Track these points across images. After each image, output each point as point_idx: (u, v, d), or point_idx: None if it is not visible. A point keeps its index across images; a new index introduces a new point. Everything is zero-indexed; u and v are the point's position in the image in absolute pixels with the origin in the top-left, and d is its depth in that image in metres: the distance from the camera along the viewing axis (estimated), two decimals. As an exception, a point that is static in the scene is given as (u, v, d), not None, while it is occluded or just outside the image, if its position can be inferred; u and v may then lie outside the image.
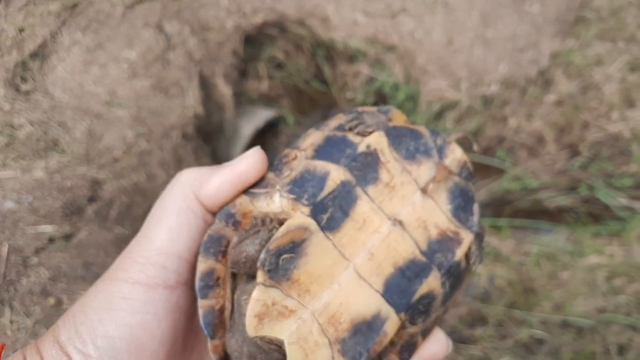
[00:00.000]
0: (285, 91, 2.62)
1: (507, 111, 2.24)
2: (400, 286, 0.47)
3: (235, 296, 0.50)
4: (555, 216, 2.22)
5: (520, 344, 1.78)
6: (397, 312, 0.47)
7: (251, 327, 0.43)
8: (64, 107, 1.82)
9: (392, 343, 0.50)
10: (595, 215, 2.18)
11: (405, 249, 0.48)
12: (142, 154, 1.86)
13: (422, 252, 0.49)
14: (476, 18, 2.22)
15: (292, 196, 0.48)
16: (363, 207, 0.48)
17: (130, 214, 1.78)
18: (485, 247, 0.56)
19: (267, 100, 2.58)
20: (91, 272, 1.56)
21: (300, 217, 0.46)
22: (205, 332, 0.48)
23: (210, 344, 0.49)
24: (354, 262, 0.46)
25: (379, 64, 2.38)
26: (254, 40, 2.41)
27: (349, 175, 0.48)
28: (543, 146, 2.24)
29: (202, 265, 0.48)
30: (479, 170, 2.31)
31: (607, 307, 1.78)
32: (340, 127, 0.54)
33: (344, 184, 0.48)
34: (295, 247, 0.45)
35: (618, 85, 2.10)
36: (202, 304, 0.48)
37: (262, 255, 0.44)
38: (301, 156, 0.52)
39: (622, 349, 1.72)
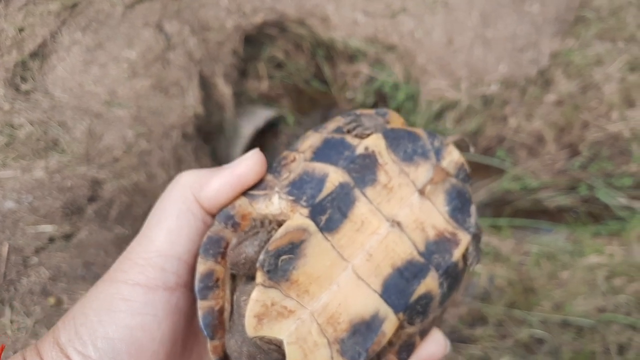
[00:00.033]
0: (285, 91, 2.62)
1: (507, 111, 2.24)
2: (398, 287, 0.47)
3: (235, 297, 0.50)
4: (555, 216, 2.23)
5: (520, 343, 1.78)
6: (396, 312, 0.47)
7: (250, 327, 0.43)
8: (64, 107, 1.82)
9: (390, 343, 0.50)
10: (595, 215, 2.18)
11: (404, 250, 0.48)
12: (142, 153, 1.86)
13: (420, 253, 0.49)
14: (476, 18, 2.23)
15: (290, 198, 0.49)
16: (361, 208, 0.48)
17: (130, 214, 1.78)
18: (482, 247, 0.56)
19: (267, 100, 2.58)
20: (91, 271, 1.56)
21: (299, 218, 0.47)
22: (205, 333, 0.48)
23: (209, 345, 0.49)
24: (353, 262, 0.47)
25: (379, 63, 2.38)
26: (254, 40, 2.42)
27: (347, 177, 0.49)
28: (543, 146, 2.24)
29: (202, 267, 0.48)
30: (479, 170, 2.31)
31: (607, 306, 1.78)
32: (338, 130, 0.54)
33: (342, 186, 0.48)
34: (294, 248, 0.46)
35: (618, 85, 2.11)
36: (202, 305, 0.48)
37: (261, 256, 0.45)
38: (300, 158, 0.52)
39: (622, 349, 1.72)
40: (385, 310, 0.47)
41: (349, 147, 0.51)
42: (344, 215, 0.48)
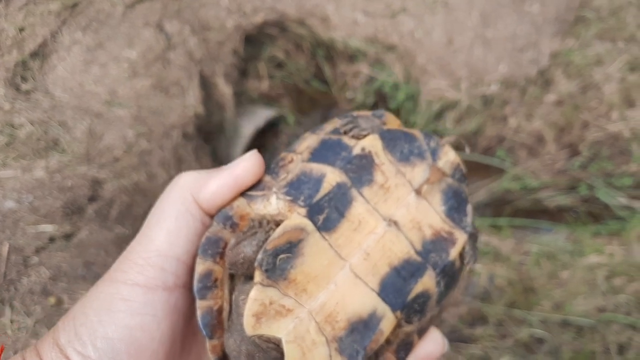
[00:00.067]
0: (285, 91, 2.62)
1: (507, 111, 2.24)
2: (395, 285, 0.48)
3: (233, 297, 0.50)
4: (555, 216, 2.23)
5: (521, 343, 1.78)
6: (393, 310, 0.47)
7: (249, 326, 0.44)
8: (64, 107, 1.82)
9: (388, 342, 0.50)
10: (595, 214, 2.18)
11: (401, 249, 0.49)
12: (142, 153, 1.86)
13: (417, 252, 0.49)
14: (476, 18, 2.23)
15: (288, 198, 0.49)
16: (358, 208, 0.49)
17: (130, 214, 1.78)
18: (479, 247, 0.57)
19: (268, 99, 2.58)
20: (92, 271, 1.56)
21: (296, 218, 0.47)
22: (204, 333, 0.48)
23: (208, 344, 0.49)
24: (350, 262, 0.47)
25: (379, 63, 2.38)
26: (254, 40, 2.42)
27: (344, 177, 0.49)
28: (543, 146, 2.24)
29: (200, 267, 0.49)
30: (479, 170, 2.32)
31: (607, 306, 1.79)
32: (335, 131, 0.54)
33: (339, 186, 0.49)
34: (292, 248, 0.46)
35: (618, 85, 2.11)
36: (201, 305, 0.48)
37: (259, 256, 0.45)
38: (297, 159, 0.52)
39: (622, 348, 1.72)
40: (383, 308, 0.47)
41: (345, 147, 0.51)
42: (342, 214, 0.48)
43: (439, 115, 2.31)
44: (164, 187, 0.52)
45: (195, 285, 0.48)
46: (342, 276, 0.46)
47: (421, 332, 0.53)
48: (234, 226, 0.50)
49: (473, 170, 2.33)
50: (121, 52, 1.99)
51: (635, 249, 1.89)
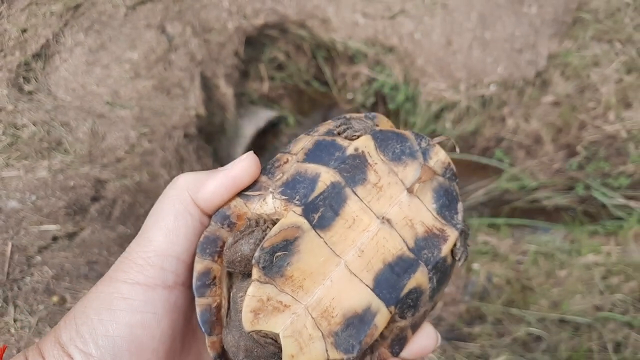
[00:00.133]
0: (286, 92, 2.63)
1: (505, 112, 2.25)
2: (389, 281, 0.49)
3: (232, 294, 0.51)
4: (552, 215, 2.23)
5: (518, 341, 1.79)
6: (387, 305, 0.48)
7: (247, 321, 0.45)
8: (66, 108, 1.83)
9: (383, 337, 0.52)
10: (592, 214, 2.19)
11: (394, 246, 0.50)
12: (144, 153, 1.87)
13: (410, 249, 0.50)
14: (475, 19, 2.23)
15: (284, 197, 0.50)
16: (352, 206, 0.50)
17: (133, 213, 1.79)
18: (470, 244, 0.58)
19: (268, 100, 2.59)
20: (94, 270, 1.57)
21: (292, 216, 0.48)
22: (203, 329, 0.49)
23: (208, 341, 0.50)
24: (345, 258, 0.48)
25: (379, 64, 2.39)
26: (255, 42, 2.43)
27: (338, 177, 0.50)
28: (541, 146, 2.25)
29: (199, 265, 0.50)
30: (478, 170, 2.32)
31: (603, 305, 1.79)
32: (329, 132, 0.55)
33: (334, 185, 0.50)
34: (288, 245, 0.47)
35: (615, 86, 2.11)
36: (200, 303, 0.49)
37: (256, 254, 0.46)
38: (292, 160, 0.53)
39: (618, 346, 1.73)
40: (377, 304, 0.48)
41: (339, 148, 0.52)
42: (336, 213, 0.49)
43: (438, 115, 2.32)
44: (165, 187, 0.53)
45: (195, 283, 0.49)
46: (338, 273, 0.48)
47: (415, 327, 0.54)
48: (231, 225, 0.52)
49: (471, 171, 2.33)
50: (123, 53, 2.00)
51: (631, 249, 1.89)
